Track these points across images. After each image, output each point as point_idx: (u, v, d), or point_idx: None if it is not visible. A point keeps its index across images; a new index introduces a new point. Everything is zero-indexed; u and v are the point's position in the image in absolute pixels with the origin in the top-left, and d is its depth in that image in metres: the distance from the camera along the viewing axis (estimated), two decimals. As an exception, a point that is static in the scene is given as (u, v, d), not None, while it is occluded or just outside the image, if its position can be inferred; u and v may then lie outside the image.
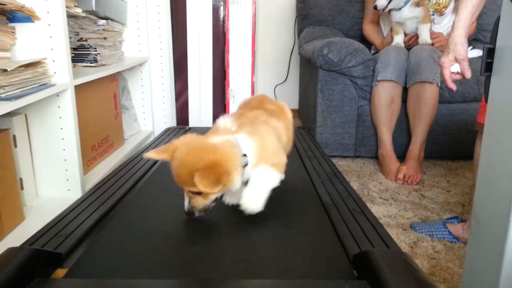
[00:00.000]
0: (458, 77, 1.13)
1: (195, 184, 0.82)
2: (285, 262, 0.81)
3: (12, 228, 1.16)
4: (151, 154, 0.88)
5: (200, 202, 0.88)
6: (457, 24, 1.09)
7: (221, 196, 0.98)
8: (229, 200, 1.02)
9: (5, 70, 1.06)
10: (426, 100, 1.79)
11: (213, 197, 0.88)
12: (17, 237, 1.11)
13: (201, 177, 0.81)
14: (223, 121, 0.96)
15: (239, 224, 0.96)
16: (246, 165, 0.90)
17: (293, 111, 3.34)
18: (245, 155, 0.89)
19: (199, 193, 0.86)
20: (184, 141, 0.89)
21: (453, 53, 1.10)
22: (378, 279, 0.69)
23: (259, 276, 0.75)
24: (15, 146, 1.25)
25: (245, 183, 0.92)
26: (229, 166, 0.84)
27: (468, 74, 1.11)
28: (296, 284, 0.71)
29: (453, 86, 1.15)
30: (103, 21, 1.70)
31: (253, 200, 0.91)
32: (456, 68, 1.11)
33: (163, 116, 2.24)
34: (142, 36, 2.08)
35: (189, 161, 0.84)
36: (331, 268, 0.79)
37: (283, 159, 0.97)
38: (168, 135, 1.84)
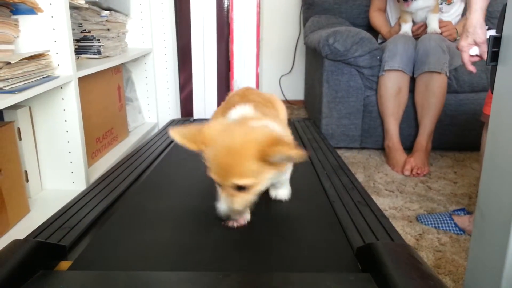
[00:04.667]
0: (476, 59, 1.11)
1: (270, 156, 0.69)
2: (288, 254, 0.80)
3: (18, 220, 1.17)
4: (177, 137, 0.76)
5: (243, 199, 0.75)
6: (475, 7, 1.06)
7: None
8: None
9: (9, 63, 1.06)
10: (434, 91, 1.77)
11: (259, 188, 0.75)
12: (23, 229, 1.12)
13: (281, 144, 0.69)
14: (242, 109, 0.87)
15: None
16: None
17: (299, 102, 3.34)
18: None
19: (242, 188, 0.73)
20: (217, 128, 0.76)
21: (472, 36, 1.07)
22: (381, 272, 0.69)
23: (263, 269, 0.75)
24: (20, 139, 1.26)
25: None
26: (291, 143, 0.73)
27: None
28: (299, 277, 0.71)
29: (472, 69, 1.13)
30: (106, 12, 1.69)
31: (288, 190, 1.00)
32: (475, 51, 1.10)
33: (168, 108, 2.23)
34: (145, 27, 2.07)
35: (242, 144, 0.71)
36: (335, 261, 0.79)
37: None
38: (173, 127, 1.84)
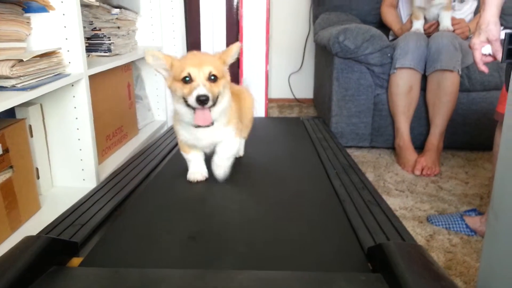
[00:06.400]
0: (489, 59, 1.07)
1: (228, 56, 1.03)
2: (299, 254, 0.80)
3: (29, 216, 1.18)
4: (150, 56, 1.00)
5: (214, 88, 0.98)
6: (489, 3, 1.03)
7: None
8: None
9: (21, 61, 1.07)
10: (447, 89, 1.74)
11: (221, 87, 1.01)
12: (34, 225, 1.13)
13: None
14: None
15: (254, 215, 0.95)
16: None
17: (308, 100, 3.32)
18: None
19: (214, 80, 0.98)
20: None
21: (485, 33, 1.03)
22: (392, 272, 0.68)
23: (274, 268, 0.75)
24: (31, 136, 1.27)
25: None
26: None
27: (500, 56, 1.05)
28: (310, 277, 0.71)
29: (485, 69, 1.09)
30: (116, 10, 1.70)
31: (221, 165, 1.12)
32: (487, 49, 1.06)
33: (177, 106, 2.23)
34: (155, 24, 2.07)
35: (212, 54, 1.05)
36: (345, 261, 0.78)
37: (240, 125, 1.16)
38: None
